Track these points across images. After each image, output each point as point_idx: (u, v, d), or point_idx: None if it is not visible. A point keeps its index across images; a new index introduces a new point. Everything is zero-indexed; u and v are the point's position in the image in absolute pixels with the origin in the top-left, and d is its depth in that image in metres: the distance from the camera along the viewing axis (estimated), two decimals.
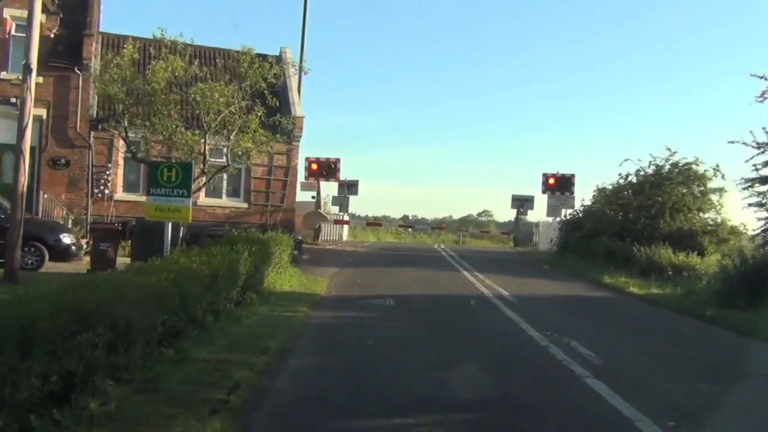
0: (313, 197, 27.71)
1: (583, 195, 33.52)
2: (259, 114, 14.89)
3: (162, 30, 14.52)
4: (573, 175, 30.47)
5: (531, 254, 28.52)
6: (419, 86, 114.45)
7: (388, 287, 14.59)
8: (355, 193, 39.36)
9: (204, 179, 14.35)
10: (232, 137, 14.44)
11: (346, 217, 37.18)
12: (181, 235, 14.77)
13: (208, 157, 14.54)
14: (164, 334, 6.68)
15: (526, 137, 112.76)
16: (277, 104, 15.17)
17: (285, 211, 21.14)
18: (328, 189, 31.68)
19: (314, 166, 26.98)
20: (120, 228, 14.36)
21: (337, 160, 27.13)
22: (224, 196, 20.80)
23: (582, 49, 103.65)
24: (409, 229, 41.71)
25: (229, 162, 14.55)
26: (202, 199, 20.53)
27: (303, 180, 28.63)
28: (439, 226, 35.79)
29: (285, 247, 14.78)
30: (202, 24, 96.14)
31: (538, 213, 39.09)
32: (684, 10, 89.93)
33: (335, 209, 42.23)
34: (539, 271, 20.89)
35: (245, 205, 20.81)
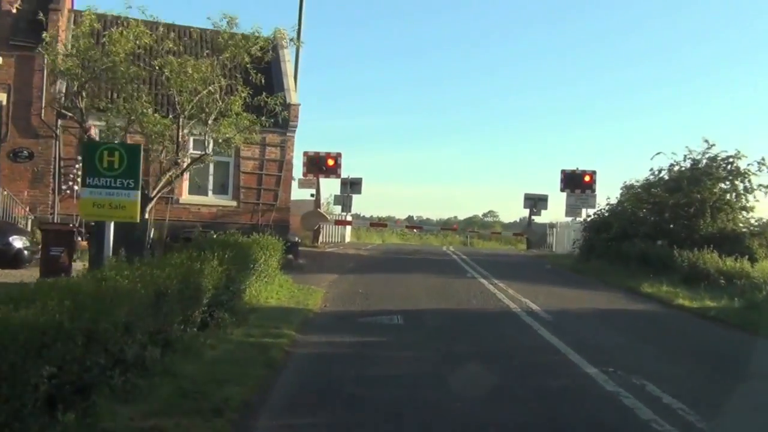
0: (312, 195, 25.44)
1: (602, 194, 31.17)
2: (243, 95, 12.60)
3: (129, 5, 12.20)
4: (594, 173, 28.11)
5: (549, 258, 26.14)
6: (423, 86, 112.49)
7: (396, 300, 12.29)
8: (359, 191, 37.13)
9: (174, 172, 12.04)
10: (210, 122, 12.15)
11: (349, 218, 34.94)
12: (149, 237, 12.53)
13: (184, 145, 12.25)
14: (63, 391, 4.41)
15: (534, 136, 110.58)
16: (262, 81, 12.81)
17: (279, 210, 18.86)
18: (330, 187, 29.52)
19: (313, 162, 24.71)
20: (76, 229, 12.11)
21: (338, 155, 24.83)
22: (210, 193, 18.53)
23: (591, 52, 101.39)
24: (414, 230, 39.38)
25: (206, 152, 12.24)
26: (185, 196, 18.28)
27: (301, 177, 26.44)
28: (451, 227, 33.22)
29: (273, 251, 12.52)
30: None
31: (552, 213, 36.79)
32: (706, 10, 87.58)
33: (337, 209, 40.14)
34: (565, 278, 18.54)
35: (234, 204, 18.54)
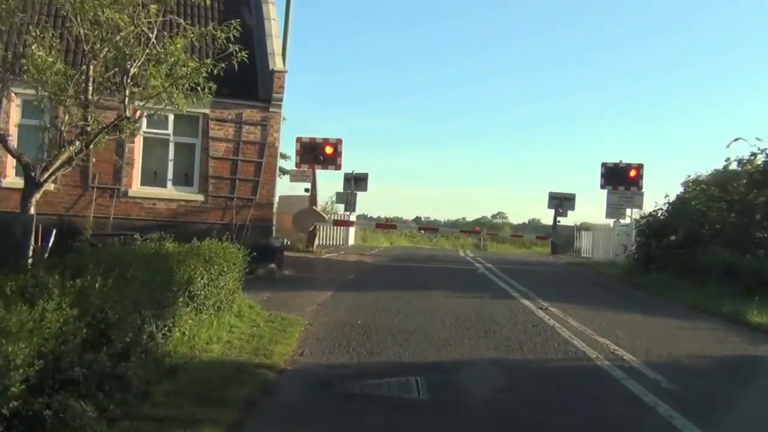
0: (306, 191, 21.32)
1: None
2: (190, 37, 8.46)
3: None
4: (640, 166, 23.78)
5: (590, 266, 21.89)
6: (429, 90, 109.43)
7: (412, 341, 8.10)
8: (364, 188, 33.31)
9: (78, 146, 7.88)
10: (133, 70, 7.99)
11: (353, 217, 30.86)
12: (33, 239, 8.46)
13: (93, 104, 8.09)
14: None
15: (545, 139, 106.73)
16: (231, 40, 8.54)
17: (259, 206, 14.70)
18: (332, 184, 25.49)
19: (307, 150, 20.59)
20: None
21: (338, 142, 20.68)
22: (169, 183, 14.38)
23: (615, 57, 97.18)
24: (423, 232, 35.10)
25: (126, 115, 8.05)
26: (137, 188, 14.17)
27: (294, 168, 22.36)
28: (472, 229, 28.97)
29: (230, 264, 8.45)
30: None
31: (580, 214, 32.68)
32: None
33: (340, 208, 36.13)
34: (627, 297, 14.32)
35: (200, 198, 14.39)
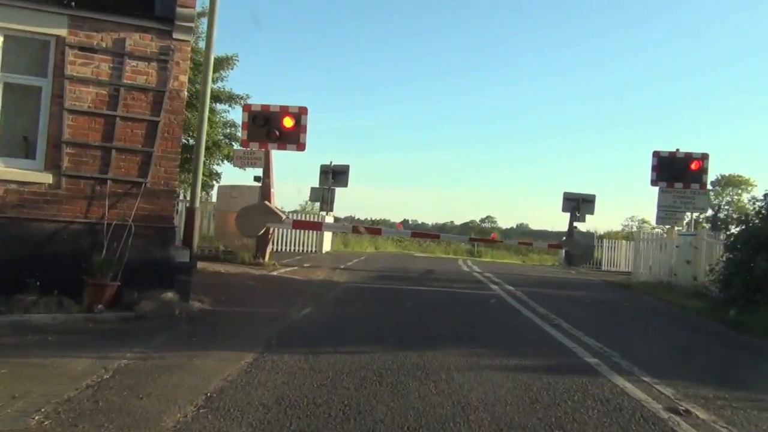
0: (256, 180, 15.43)
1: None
2: None
3: None
4: (705, 157, 18.10)
5: (641, 290, 16.19)
6: (417, 87, 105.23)
7: None
8: (344, 183, 27.51)
9: None
10: None
11: (329, 218, 25.07)
12: None
13: None
14: None
15: (533, 144, 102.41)
16: None
17: (151, 194, 8.79)
18: (304, 174, 19.72)
19: (258, 122, 14.72)
20: None
21: (302, 111, 14.80)
22: None
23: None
24: (407, 235, 29.13)
25: None
26: None
27: (238, 148, 16.55)
28: (489, 238, 23.05)
29: None
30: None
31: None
32: None
33: (316, 206, 30.48)
34: (763, 359, 8.64)
35: (47, 178, 8.46)
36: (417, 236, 16.22)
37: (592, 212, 30.36)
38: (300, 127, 14.66)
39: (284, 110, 14.66)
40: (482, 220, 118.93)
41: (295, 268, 15.38)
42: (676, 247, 16.80)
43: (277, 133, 14.56)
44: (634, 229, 53.66)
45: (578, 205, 29.33)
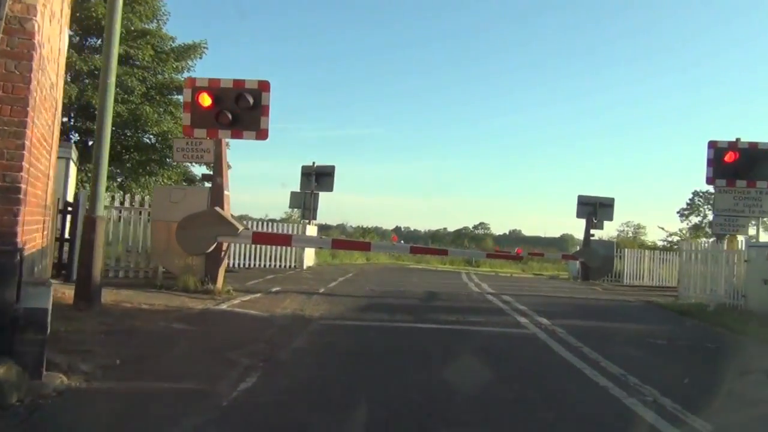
0: (205, 179, 11.66)
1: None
2: None
3: None
4: None
5: (700, 315, 12.58)
6: (404, 100, 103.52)
7: None
8: (330, 187, 24.10)
9: None
10: None
11: (311, 229, 21.56)
12: None
13: None
14: None
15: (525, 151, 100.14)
16: None
17: None
18: (286, 174, 16.12)
19: (207, 100, 11.00)
20: None
21: (263, 86, 11.09)
22: None
23: None
24: (405, 251, 25.45)
25: None
26: None
27: (180, 137, 12.94)
28: (515, 254, 19.31)
29: None
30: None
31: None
32: None
33: (296, 213, 27.08)
34: None
35: None
36: (419, 252, 12.64)
37: (611, 218, 26.99)
38: (260, 108, 10.95)
39: (239, 86, 10.96)
40: (475, 227, 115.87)
41: (258, 295, 11.66)
42: (745, 261, 13.20)
43: (230, 116, 10.85)
44: (629, 235, 50.37)
45: (595, 210, 25.86)
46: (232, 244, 13.41)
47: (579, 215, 25.87)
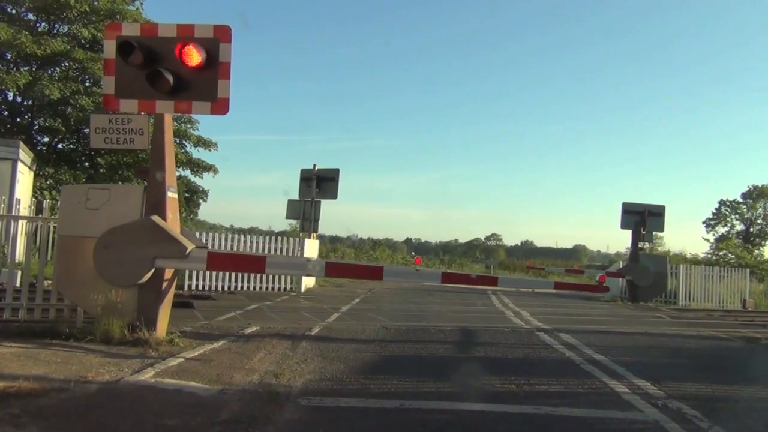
0: (138, 174, 7.91)
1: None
2: None
3: None
4: None
5: None
6: (412, 108, 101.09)
7: None
8: (333, 194, 20.72)
9: None
10: None
11: (310, 245, 18.05)
12: None
13: None
14: None
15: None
16: None
17: None
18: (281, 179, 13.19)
19: (135, 62, 7.35)
20: None
21: (221, 34, 7.47)
22: None
23: None
24: (436, 280, 21.21)
25: None
26: None
27: (99, 113, 9.38)
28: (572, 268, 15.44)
29: None
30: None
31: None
32: None
33: (297, 225, 23.91)
34: None
35: None
36: (454, 281, 9.06)
37: (661, 229, 23.19)
38: (217, 67, 7.30)
39: (186, 34, 7.32)
40: (487, 238, 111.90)
41: (220, 343, 7.93)
42: None
43: (171, 79, 7.20)
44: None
45: (643, 219, 22.09)
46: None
47: (624, 226, 22.12)
